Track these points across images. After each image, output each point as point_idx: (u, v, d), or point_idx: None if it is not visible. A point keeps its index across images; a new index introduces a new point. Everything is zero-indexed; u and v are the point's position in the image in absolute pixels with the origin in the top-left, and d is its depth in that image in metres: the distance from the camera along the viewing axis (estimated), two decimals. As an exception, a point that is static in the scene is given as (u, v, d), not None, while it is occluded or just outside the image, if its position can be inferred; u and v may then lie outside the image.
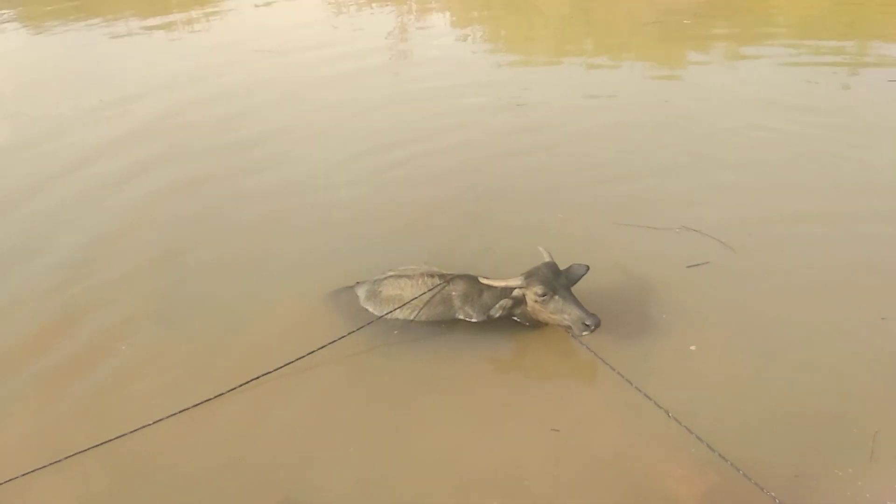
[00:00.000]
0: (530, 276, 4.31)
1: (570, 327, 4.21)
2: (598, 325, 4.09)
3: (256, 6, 17.97)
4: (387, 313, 4.63)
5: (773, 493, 3.36)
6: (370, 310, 4.77)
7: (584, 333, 4.14)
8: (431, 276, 4.68)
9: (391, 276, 4.81)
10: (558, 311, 4.20)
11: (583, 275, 4.41)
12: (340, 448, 3.88)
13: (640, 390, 3.97)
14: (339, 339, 4.42)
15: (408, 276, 4.73)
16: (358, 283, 5.01)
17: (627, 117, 8.24)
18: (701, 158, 6.98)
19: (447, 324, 4.67)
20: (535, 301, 4.29)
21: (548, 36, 13.24)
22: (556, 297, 4.19)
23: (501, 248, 5.54)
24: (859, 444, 3.65)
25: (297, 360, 4.31)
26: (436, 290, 4.60)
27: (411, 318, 4.65)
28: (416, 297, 4.61)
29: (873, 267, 5.08)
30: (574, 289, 4.34)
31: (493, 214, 6.15)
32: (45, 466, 3.81)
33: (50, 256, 5.97)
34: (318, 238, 6.00)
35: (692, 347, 4.39)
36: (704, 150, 7.16)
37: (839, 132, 7.40)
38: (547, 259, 4.42)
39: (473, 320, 4.63)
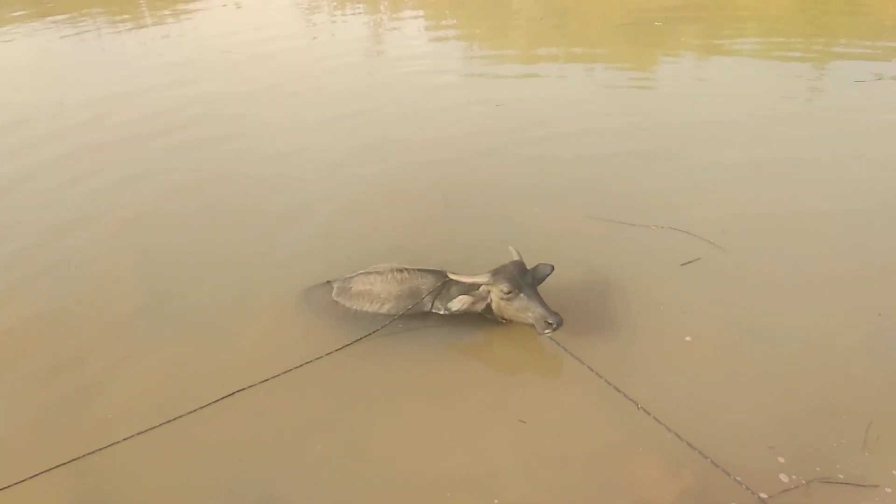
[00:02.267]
0: (497, 273, 4.34)
1: (533, 325, 4.23)
2: (560, 323, 4.12)
3: (224, 5, 17.76)
4: (388, 322, 4.55)
5: (739, 478, 3.36)
6: (341, 303, 4.79)
7: (547, 332, 4.17)
8: (401, 271, 4.71)
9: (361, 274, 4.83)
10: (523, 309, 4.23)
11: (548, 274, 4.43)
12: (307, 448, 3.79)
13: (609, 382, 3.95)
14: (332, 352, 4.36)
15: (378, 273, 4.76)
16: (328, 281, 4.99)
17: (601, 116, 8.23)
18: (676, 156, 6.96)
19: (421, 322, 4.62)
20: (501, 298, 4.30)
21: (522, 36, 13.26)
22: (522, 294, 4.22)
23: (476, 244, 5.46)
24: (851, 435, 3.63)
25: (278, 375, 4.22)
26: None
27: (382, 311, 4.65)
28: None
29: (864, 262, 5.06)
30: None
31: (468, 210, 6.10)
32: (4, 488, 3.61)
33: (10, 258, 5.80)
34: (293, 235, 5.90)
35: (687, 338, 4.37)
36: (679, 149, 7.13)
37: (811, 130, 7.47)
38: (516, 258, 4.44)
39: (442, 313, 4.62)
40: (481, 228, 5.77)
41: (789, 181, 6.35)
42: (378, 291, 4.67)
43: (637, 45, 11.87)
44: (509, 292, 4.21)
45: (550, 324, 4.11)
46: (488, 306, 4.46)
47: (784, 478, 3.42)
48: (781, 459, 3.52)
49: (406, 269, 4.73)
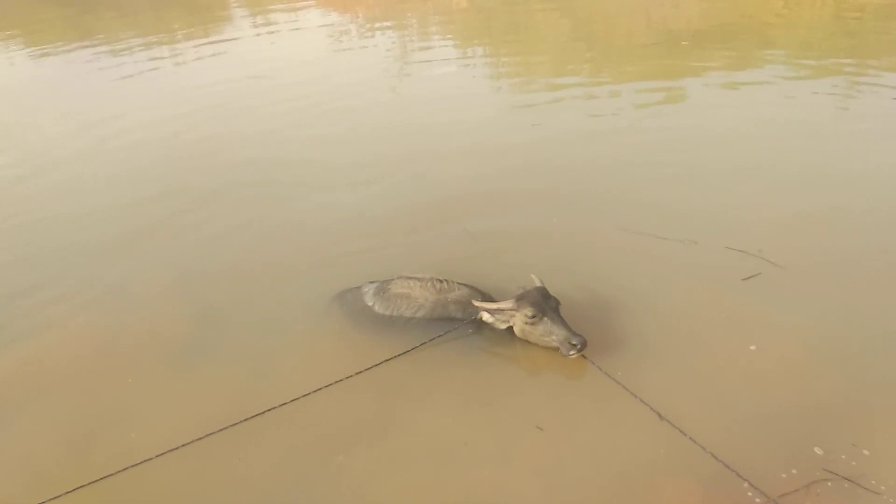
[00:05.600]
0: (521, 299, 4.45)
1: (558, 348, 4.31)
2: (584, 344, 4.21)
3: (258, 35, 18.19)
4: (432, 339, 4.60)
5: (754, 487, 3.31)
6: (376, 308, 4.90)
7: (572, 353, 4.25)
8: (441, 281, 4.87)
9: (400, 278, 4.98)
10: (547, 333, 4.32)
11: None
12: (328, 457, 3.85)
13: (627, 389, 3.99)
14: (362, 371, 4.44)
15: (417, 279, 4.92)
16: (363, 285, 5.14)
17: (630, 131, 8.26)
18: (707, 171, 6.94)
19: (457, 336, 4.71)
20: (526, 323, 4.39)
21: (549, 57, 13.31)
22: (545, 318, 4.32)
23: (511, 261, 5.51)
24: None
25: (302, 396, 4.30)
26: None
27: (418, 315, 4.79)
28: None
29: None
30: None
31: (499, 232, 6.13)
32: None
33: (49, 282, 5.99)
34: (320, 251, 6.01)
35: (752, 347, 4.31)
36: (710, 163, 7.11)
37: (848, 145, 7.40)
38: (538, 284, 4.56)
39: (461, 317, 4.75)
40: (516, 247, 5.80)
41: (829, 193, 6.26)
42: (416, 296, 4.83)
43: (665, 64, 11.81)
44: (533, 316, 4.32)
45: (574, 345, 4.21)
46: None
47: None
48: (846, 485, 3.37)
49: (446, 280, 4.88)
